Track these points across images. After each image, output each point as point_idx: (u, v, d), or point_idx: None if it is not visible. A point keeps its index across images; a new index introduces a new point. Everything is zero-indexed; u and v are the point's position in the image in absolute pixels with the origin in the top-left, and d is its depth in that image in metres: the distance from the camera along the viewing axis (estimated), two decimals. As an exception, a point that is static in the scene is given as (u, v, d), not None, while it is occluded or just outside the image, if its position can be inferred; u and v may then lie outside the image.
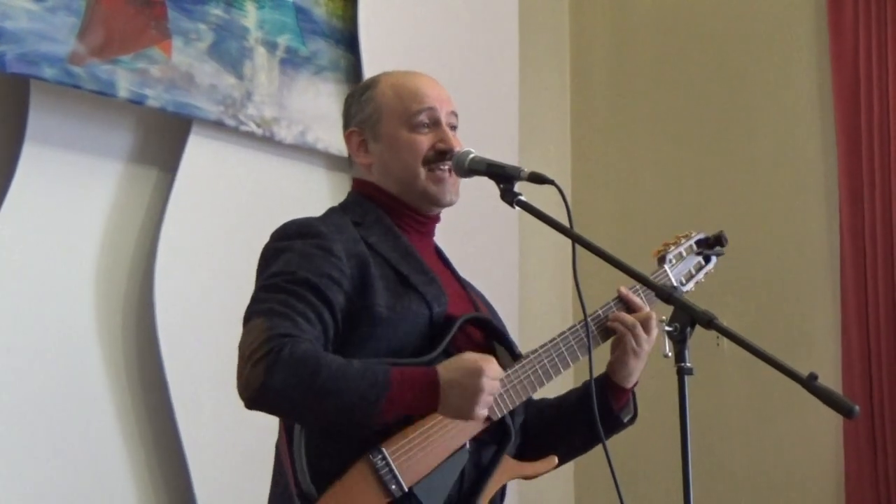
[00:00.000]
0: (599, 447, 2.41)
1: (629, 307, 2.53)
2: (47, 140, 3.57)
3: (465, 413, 2.24)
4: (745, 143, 5.37)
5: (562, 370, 2.47)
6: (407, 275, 2.42)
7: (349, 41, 4.36)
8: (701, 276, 2.75)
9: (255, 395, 2.23)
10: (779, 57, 5.33)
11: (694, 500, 2.19)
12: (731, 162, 5.38)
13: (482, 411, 2.25)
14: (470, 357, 2.27)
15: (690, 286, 2.72)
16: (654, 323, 2.50)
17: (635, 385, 2.57)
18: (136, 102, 3.67)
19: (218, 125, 3.90)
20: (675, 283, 2.64)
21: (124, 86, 3.61)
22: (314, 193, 4.19)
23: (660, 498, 4.08)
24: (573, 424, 2.54)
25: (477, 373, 2.23)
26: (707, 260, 2.77)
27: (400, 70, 2.64)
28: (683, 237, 2.75)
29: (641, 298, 2.55)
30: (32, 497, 3.46)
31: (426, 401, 2.24)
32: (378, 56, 4.27)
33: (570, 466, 5.39)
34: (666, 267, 2.66)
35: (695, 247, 2.76)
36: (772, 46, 5.35)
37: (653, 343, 2.51)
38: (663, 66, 5.62)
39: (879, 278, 4.86)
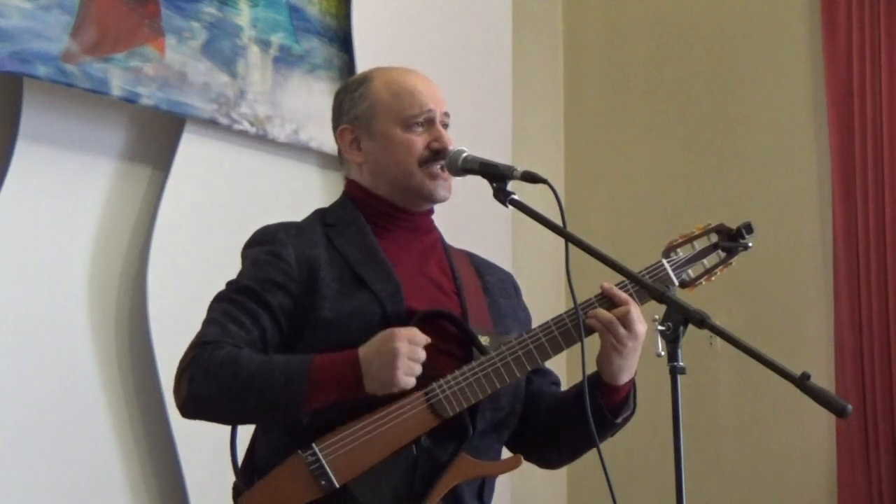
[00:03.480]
0: (593, 447, 2.40)
1: (613, 302, 2.43)
2: (40, 138, 3.56)
3: (389, 381, 2.26)
4: (738, 143, 5.38)
5: (528, 368, 2.42)
6: (362, 274, 2.42)
7: (343, 40, 4.36)
8: (718, 270, 2.58)
9: (183, 404, 2.35)
10: (772, 55, 5.34)
11: (686, 500, 2.19)
12: (724, 161, 5.39)
13: (405, 378, 2.26)
14: (388, 329, 2.29)
15: (702, 281, 2.57)
16: (634, 317, 2.40)
17: (632, 381, 2.49)
18: (130, 100, 3.66)
19: (211, 123, 3.90)
20: (673, 278, 2.52)
21: (117, 84, 3.61)
22: (307, 192, 4.19)
23: (652, 497, 4.08)
24: (572, 423, 2.48)
25: (390, 337, 2.26)
26: (729, 253, 2.58)
27: (393, 67, 2.63)
28: (700, 228, 2.59)
29: (630, 293, 2.44)
30: (23, 493, 3.46)
31: (348, 379, 2.27)
32: (371, 54, 4.27)
33: (562, 465, 5.40)
34: (664, 261, 2.53)
35: (714, 238, 2.59)
36: (765, 45, 5.36)
37: (639, 338, 2.41)
38: (656, 64, 5.62)
39: (872, 278, 4.86)
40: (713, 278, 2.60)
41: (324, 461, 2.29)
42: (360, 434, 2.30)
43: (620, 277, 2.42)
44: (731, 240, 2.59)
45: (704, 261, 2.59)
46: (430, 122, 2.52)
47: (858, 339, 4.89)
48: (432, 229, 2.61)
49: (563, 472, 5.45)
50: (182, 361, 2.35)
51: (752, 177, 5.30)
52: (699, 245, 2.58)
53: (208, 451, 3.74)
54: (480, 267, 2.66)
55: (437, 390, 2.34)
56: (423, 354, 2.29)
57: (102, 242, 3.74)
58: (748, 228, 2.59)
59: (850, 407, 2.08)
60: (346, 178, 2.62)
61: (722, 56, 5.46)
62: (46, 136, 3.58)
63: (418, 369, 2.28)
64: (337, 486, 2.29)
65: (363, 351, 2.28)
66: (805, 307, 5.14)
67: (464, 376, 2.36)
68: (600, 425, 2.45)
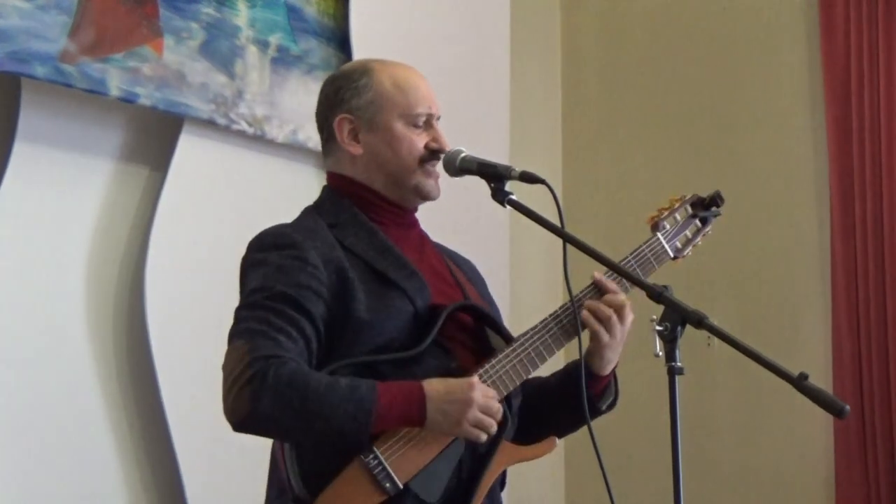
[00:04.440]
0: (590, 448, 2.39)
1: (603, 292, 2.48)
2: (38, 138, 3.56)
3: (453, 429, 2.28)
4: (736, 143, 5.38)
5: (556, 351, 2.45)
6: (386, 272, 2.41)
7: (340, 40, 4.36)
8: (698, 239, 2.69)
9: (243, 420, 2.26)
10: (770, 56, 5.34)
11: (684, 500, 2.19)
12: (722, 161, 5.39)
13: (471, 430, 2.27)
14: (466, 380, 2.30)
15: (688, 251, 2.67)
16: (628, 310, 2.46)
17: (614, 369, 2.54)
18: (128, 101, 3.66)
19: (209, 124, 3.90)
20: (669, 251, 2.61)
21: (115, 84, 3.61)
22: (305, 192, 4.15)
23: (650, 497, 4.08)
24: (556, 407, 2.53)
25: (468, 387, 2.26)
26: (704, 222, 2.71)
27: (392, 61, 2.62)
28: (677, 200, 2.70)
29: (622, 282, 2.50)
30: (19, 493, 3.46)
31: (413, 414, 2.27)
32: (369, 55, 4.23)
33: (560, 463, 5.40)
34: (659, 234, 2.62)
35: (690, 209, 2.70)
36: (763, 45, 5.36)
37: (627, 328, 2.47)
38: (654, 65, 5.62)
39: (870, 277, 4.86)
40: (695, 248, 2.70)
41: (385, 463, 2.28)
42: (413, 432, 2.30)
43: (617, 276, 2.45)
44: (705, 209, 2.72)
45: (686, 231, 2.70)
46: (428, 123, 2.53)
47: (856, 340, 4.89)
48: (416, 223, 2.61)
49: (560, 471, 5.45)
50: (239, 374, 2.25)
51: (750, 177, 5.30)
52: (680, 217, 2.69)
53: (206, 450, 3.74)
54: (455, 258, 2.68)
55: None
56: (499, 411, 2.30)
57: (100, 242, 3.73)
58: (720, 197, 2.73)
59: (847, 407, 2.07)
60: (329, 172, 2.59)
61: (720, 56, 5.46)
62: (44, 137, 3.58)
63: (490, 425, 2.29)
64: (401, 487, 2.29)
65: (431, 390, 2.27)
66: (803, 307, 5.14)
67: (501, 364, 2.39)
68: (581, 415, 2.48)
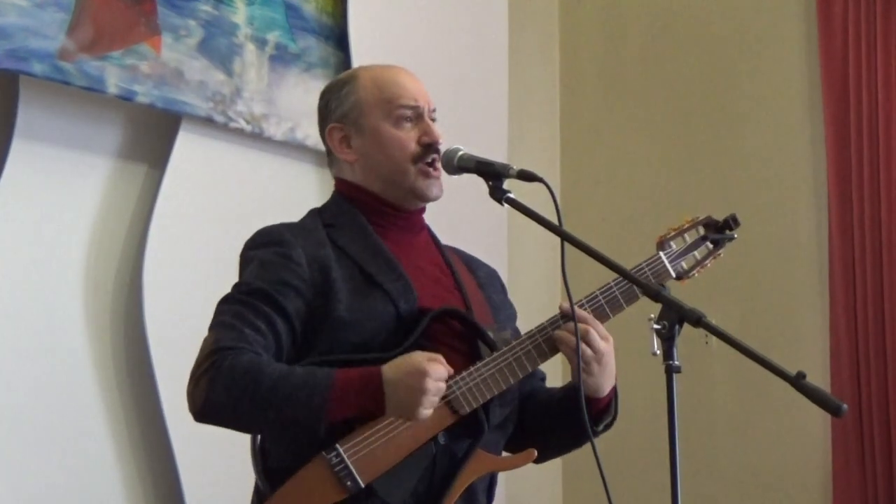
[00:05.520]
0: (588, 447, 2.38)
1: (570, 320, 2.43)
2: (36, 136, 3.56)
3: (409, 413, 2.26)
4: (734, 142, 5.38)
5: (539, 362, 2.44)
6: (372, 273, 2.42)
7: (339, 38, 4.36)
8: (709, 262, 2.64)
9: (200, 409, 2.30)
10: (768, 54, 5.34)
11: (682, 499, 2.19)
12: (720, 160, 5.39)
13: (425, 412, 2.25)
14: (416, 357, 2.27)
15: (695, 273, 2.62)
16: (595, 336, 2.42)
17: (613, 390, 2.51)
18: (126, 98, 3.66)
19: (207, 121, 3.90)
20: (671, 270, 2.56)
21: (114, 82, 3.61)
22: (303, 190, 4.19)
23: (648, 495, 4.08)
24: (557, 424, 2.52)
25: (420, 373, 2.24)
26: (716, 244, 2.64)
27: (378, 64, 2.64)
28: (689, 221, 2.64)
29: (602, 309, 2.47)
30: (16, 493, 3.46)
31: (371, 400, 2.26)
32: (367, 53, 4.26)
33: (558, 465, 5.40)
34: (661, 253, 2.57)
35: (702, 230, 2.64)
36: (761, 44, 5.36)
37: (605, 355, 2.43)
38: (653, 64, 5.62)
39: (868, 276, 4.86)
40: (703, 270, 2.65)
41: (348, 462, 2.28)
42: (381, 433, 2.30)
43: (615, 275, 2.44)
44: (718, 232, 2.65)
45: (695, 252, 2.64)
46: (418, 117, 2.53)
47: (854, 338, 4.89)
48: (424, 227, 2.62)
49: (558, 471, 5.45)
50: (199, 365, 2.30)
51: (748, 176, 5.30)
52: (689, 238, 2.63)
53: (204, 447, 3.74)
54: (471, 263, 2.67)
55: (454, 387, 2.34)
56: (443, 388, 2.28)
57: (98, 240, 3.73)
58: (734, 220, 2.66)
59: (845, 406, 2.07)
60: (336, 178, 2.61)
61: (718, 55, 5.46)
62: (43, 134, 3.58)
63: (437, 402, 2.28)
64: (362, 486, 2.29)
65: (388, 374, 2.25)
66: (801, 305, 5.14)
67: (479, 372, 2.37)
68: (581, 433, 2.46)
